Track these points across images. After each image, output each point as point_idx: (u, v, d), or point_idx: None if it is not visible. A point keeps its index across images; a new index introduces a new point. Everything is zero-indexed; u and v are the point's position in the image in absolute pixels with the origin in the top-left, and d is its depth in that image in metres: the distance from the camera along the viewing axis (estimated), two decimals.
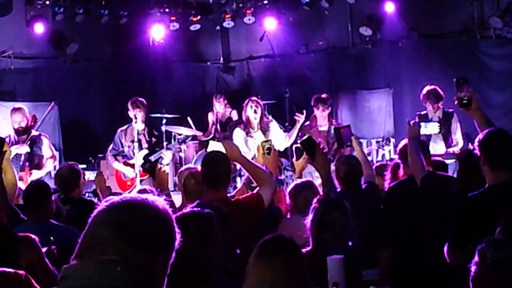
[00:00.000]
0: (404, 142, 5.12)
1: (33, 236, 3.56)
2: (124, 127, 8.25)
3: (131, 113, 8.00)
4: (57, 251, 3.91)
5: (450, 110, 8.01)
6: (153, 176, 4.78)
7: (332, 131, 8.04)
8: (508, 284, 2.90)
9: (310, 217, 3.82)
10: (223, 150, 4.52)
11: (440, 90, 8.01)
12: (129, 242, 1.62)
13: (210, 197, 4.18)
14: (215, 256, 3.05)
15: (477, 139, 3.77)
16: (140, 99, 8.15)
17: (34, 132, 7.66)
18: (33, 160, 7.39)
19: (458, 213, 3.66)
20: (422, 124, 6.58)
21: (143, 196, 1.75)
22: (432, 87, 8.08)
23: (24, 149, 7.41)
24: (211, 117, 10.03)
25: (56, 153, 7.96)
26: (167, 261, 1.71)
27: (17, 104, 8.21)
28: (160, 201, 1.75)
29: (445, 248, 3.67)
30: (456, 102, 4.06)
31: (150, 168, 4.81)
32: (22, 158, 7.41)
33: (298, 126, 8.11)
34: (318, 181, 7.99)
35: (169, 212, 1.75)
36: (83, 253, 1.64)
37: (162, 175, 4.68)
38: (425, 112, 8.12)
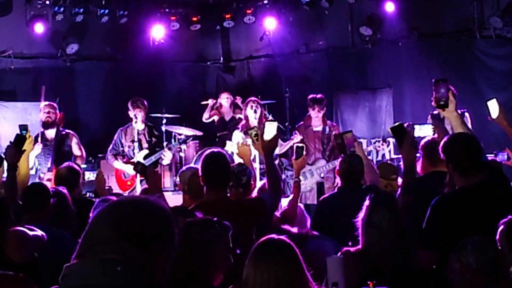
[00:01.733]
0: (428, 138, 5.10)
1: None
2: (124, 127, 8.25)
3: (131, 113, 8.00)
4: (48, 256, 3.89)
5: (462, 110, 7.96)
6: (146, 178, 4.71)
7: (333, 137, 8.04)
8: (503, 284, 2.90)
9: (360, 215, 3.78)
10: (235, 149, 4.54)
11: (453, 89, 7.97)
12: (131, 242, 1.63)
13: (210, 197, 4.19)
14: (212, 266, 3.07)
15: (440, 146, 3.77)
16: (140, 99, 8.15)
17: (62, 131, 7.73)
18: (61, 160, 7.14)
19: (429, 213, 3.65)
20: (417, 126, 6.61)
21: (144, 196, 1.77)
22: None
23: (36, 150, 7.36)
24: (213, 108, 10.04)
25: (84, 152, 7.96)
26: (168, 260, 1.72)
27: (18, 104, 8.26)
28: (161, 201, 1.76)
29: (419, 250, 3.67)
30: (433, 102, 4.07)
31: (142, 169, 4.76)
32: (50, 159, 7.43)
33: (291, 143, 7.98)
34: (313, 180, 8.06)
35: (170, 212, 1.76)
36: (85, 252, 1.64)
37: (154, 177, 4.63)
38: (437, 111, 8.11)
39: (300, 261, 2.81)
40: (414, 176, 4.31)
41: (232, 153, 7.23)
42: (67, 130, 7.82)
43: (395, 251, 3.63)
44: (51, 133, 7.61)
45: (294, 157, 5.46)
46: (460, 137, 3.86)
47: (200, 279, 3.00)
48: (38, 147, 7.40)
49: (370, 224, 3.68)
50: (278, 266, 2.73)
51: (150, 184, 4.63)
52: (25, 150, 4.98)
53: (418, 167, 4.97)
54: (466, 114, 7.88)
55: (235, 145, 6.13)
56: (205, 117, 10.04)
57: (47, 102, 7.93)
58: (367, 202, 3.78)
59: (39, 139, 7.58)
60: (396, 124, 4.39)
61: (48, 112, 7.64)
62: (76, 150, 7.74)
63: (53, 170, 7.20)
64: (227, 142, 8.00)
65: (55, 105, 7.81)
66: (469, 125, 7.69)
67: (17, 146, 4.94)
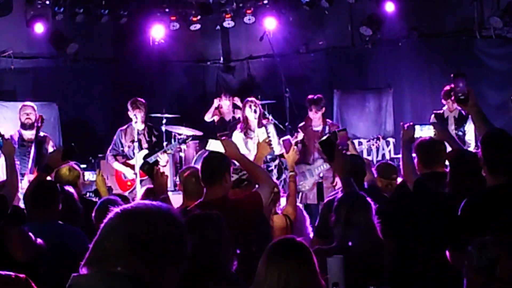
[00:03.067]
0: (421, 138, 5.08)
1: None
2: (124, 127, 8.25)
3: (131, 113, 7.99)
4: (62, 252, 3.91)
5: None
6: (152, 178, 4.69)
7: (327, 131, 8.05)
8: (497, 284, 2.90)
9: (333, 215, 3.89)
10: (221, 149, 4.51)
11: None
12: (140, 256, 1.61)
13: (208, 196, 4.18)
14: (226, 256, 3.10)
15: (479, 140, 3.76)
16: (139, 99, 8.14)
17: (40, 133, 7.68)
18: (41, 162, 7.17)
19: (459, 214, 3.65)
20: (418, 127, 6.58)
21: (158, 203, 1.71)
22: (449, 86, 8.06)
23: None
24: (214, 106, 10.05)
25: None
26: (177, 273, 1.69)
27: (18, 104, 8.25)
28: (176, 212, 1.72)
29: (447, 251, 3.67)
30: (452, 97, 4.04)
31: (149, 169, 4.74)
32: (30, 160, 7.41)
33: (293, 141, 7.99)
34: (313, 180, 8.06)
35: (184, 224, 1.73)
36: (93, 262, 1.62)
37: (161, 179, 4.63)
38: (441, 111, 8.12)
39: (314, 265, 2.79)
40: (353, 188, 4.36)
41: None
42: (44, 133, 7.78)
43: (374, 249, 3.71)
44: (29, 134, 7.58)
45: (284, 151, 5.44)
46: (496, 133, 3.81)
47: (217, 269, 3.02)
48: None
49: (350, 224, 3.77)
50: (290, 269, 2.72)
51: (156, 185, 4.62)
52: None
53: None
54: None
55: (218, 143, 6.08)
56: (208, 117, 10.05)
57: (27, 103, 7.87)
58: (340, 203, 3.90)
59: (16, 139, 7.54)
60: (325, 137, 4.37)
61: (28, 114, 7.60)
62: None
63: (34, 172, 7.18)
64: (210, 140, 7.93)
65: (34, 106, 7.77)
66: (472, 126, 7.73)
67: None
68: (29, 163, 7.40)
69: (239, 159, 4.49)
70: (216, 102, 10.08)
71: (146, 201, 1.74)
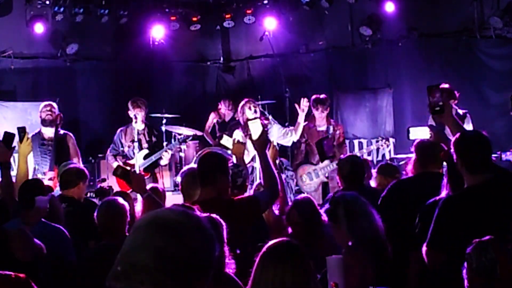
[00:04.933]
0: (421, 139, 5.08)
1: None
2: (124, 127, 8.25)
3: (131, 113, 7.99)
4: (46, 250, 3.91)
5: (464, 111, 7.94)
6: (128, 181, 4.61)
7: (331, 131, 8.04)
8: (497, 284, 2.90)
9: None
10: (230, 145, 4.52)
11: (454, 89, 7.95)
12: (168, 274, 1.59)
13: (203, 196, 4.18)
14: (222, 258, 3.10)
15: (452, 142, 3.77)
16: (140, 98, 8.13)
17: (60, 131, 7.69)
18: (61, 160, 7.06)
19: (438, 213, 3.64)
20: (412, 129, 6.60)
21: (188, 212, 1.68)
22: (447, 85, 8.03)
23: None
24: (212, 117, 10.07)
25: (79, 154, 7.93)
26: (204, 285, 1.67)
27: (18, 104, 8.25)
28: (203, 220, 1.69)
29: (423, 249, 3.67)
30: (428, 109, 4.07)
31: (122, 174, 4.71)
32: (49, 158, 7.41)
33: (302, 116, 7.82)
34: (318, 180, 8.06)
35: (213, 235, 1.69)
36: (121, 278, 1.60)
37: (138, 178, 4.53)
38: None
39: (309, 267, 2.78)
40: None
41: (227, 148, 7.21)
42: (64, 131, 7.78)
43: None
44: (49, 132, 7.57)
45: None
46: (472, 134, 3.85)
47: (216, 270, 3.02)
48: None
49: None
50: (284, 270, 2.71)
51: (133, 187, 4.55)
52: (14, 147, 4.96)
53: (410, 167, 4.98)
54: (468, 115, 7.88)
55: (231, 140, 6.08)
56: (206, 128, 10.07)
57: (47, 102, 7.90)
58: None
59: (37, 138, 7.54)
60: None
61: (49, 110, 7.61)
62: (73, 151, 7.69)
63: (54, 170, 7.19)
64: (224, 136, 7.89)
65: (55, 105, 7.80)
66: (471, 127, 7.74)
67: (6, 144, 4.90)
68: (49, 162, 7.40)
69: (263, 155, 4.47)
70: (211, 118, 10.08)
71: (174, 209, 1.71)
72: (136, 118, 7.93)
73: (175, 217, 1.66)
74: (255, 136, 4.60)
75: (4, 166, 4.85)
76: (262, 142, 4.51)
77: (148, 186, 4.99)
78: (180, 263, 1.61)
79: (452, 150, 3.73)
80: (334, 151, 5.41)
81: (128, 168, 4.84)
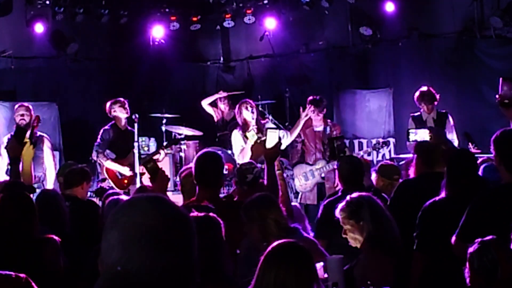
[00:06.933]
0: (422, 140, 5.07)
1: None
2: (107, 126, 8.06)
3: (118, 113, 7.89)
4: None
5: (444, 111, 8.00)
6: (154, 178, 4.63)
7: (328, 131, 8.02)
8: (498, 285, 2.90)
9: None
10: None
11: (433, 91, 7.97)
12: (137, 247, 1.55)
13: (201, 196, 4.18)
14: (223, 258, 3.10)
15: (492, 139, 3.77)
16: (121, 100, 7.97)
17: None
18: (37, 162, 7.10)
19: (472, 207, 3.66)
20: (412, 130, 6.59)
21: (154, 194, 1.66)
22: (426, 88, 8.04)
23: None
24: (214, 112, 9.97)
25: (56, 153, 7.87)
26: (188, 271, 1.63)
27: (18, 104, 8.20)
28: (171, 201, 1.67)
29: (453, 239, 3.68)
30: (497, 100, 4.08)
31: (152, 169, 4.71)
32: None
33: (301, 122, 7.84)
34: (314, 181, 8.04)
35: (183, 211, 1.66)
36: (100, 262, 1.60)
37: (164, 180, 4.56)
38: (419, 113, 8.07)
39: (312, 268, 2.78)
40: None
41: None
42: (40, 133, 7.70)
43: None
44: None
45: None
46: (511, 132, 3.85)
47: (214, 272, 3.02)
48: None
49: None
50: (286, 272, 2.70)
51: (155, 187, 4.58)
52: (26, 143, 4.94)
53: (412, 169, 4.97)
54: (449, 115, 7.92)
55: (256, 137, 6.07)
56: (205, 102, 9.85)
57: (22, 103, 7.77)
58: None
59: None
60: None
61: (22, 115, 7.52)
62: (47, 155, 7.57)
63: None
64: (252, 131, 7.74)
65: (30, 106, 7.70)
66: (454, 126, 7.75)
67: (18, 139, 4.90)
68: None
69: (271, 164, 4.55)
70: (218, 95, 9.96)
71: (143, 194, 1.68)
72: (121, 119, 7.89)
73: (141, 197, 1.61)
74: (269, 145, 4.64)
75: (14, 161, 4.84)
76: (273, 153, 4.62)
77: (138, 185, 4.99)
78: (151, 235, 1.54)
79: (491, 147, 3.72)
80: (345, 151, 5.41)
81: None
